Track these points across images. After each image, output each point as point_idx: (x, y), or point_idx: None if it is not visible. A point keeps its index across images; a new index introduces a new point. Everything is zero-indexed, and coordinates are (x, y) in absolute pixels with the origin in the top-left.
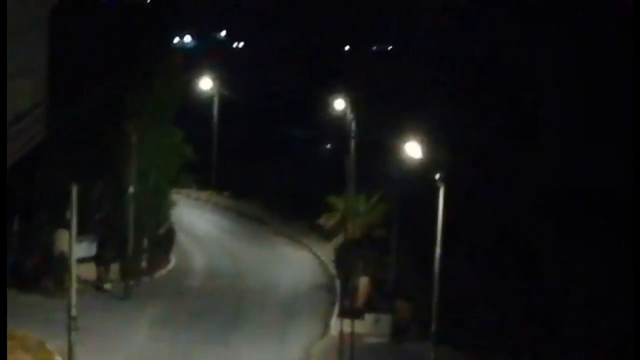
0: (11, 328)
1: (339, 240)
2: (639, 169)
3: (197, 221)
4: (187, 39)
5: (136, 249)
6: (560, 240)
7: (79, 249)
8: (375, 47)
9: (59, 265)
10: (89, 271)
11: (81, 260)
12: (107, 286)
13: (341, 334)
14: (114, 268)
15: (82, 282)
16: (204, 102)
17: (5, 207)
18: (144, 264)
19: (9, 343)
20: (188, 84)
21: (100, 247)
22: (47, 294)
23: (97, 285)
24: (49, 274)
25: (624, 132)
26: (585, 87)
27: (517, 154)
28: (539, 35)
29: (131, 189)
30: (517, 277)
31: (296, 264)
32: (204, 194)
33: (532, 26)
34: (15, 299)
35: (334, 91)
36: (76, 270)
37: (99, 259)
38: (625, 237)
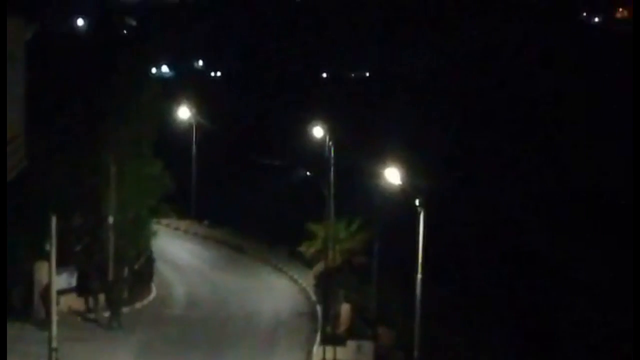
0: None
1: (319, 267)
2: (639, 169)
3: (178, 251)
4: (164, 68)
5: (117, 279)
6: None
7: (59, 280)
8: (353, 74)
9: (47, 296)
10: (73, 302)
11: (63, 292)
12: (96, 316)
13: None
14: (100, 298)
15: (71, 313)
16: (183, 131)
17: (6, 212)
18: (125, 294)
19: None
20: (167, 114)
21: (81, 278)
22: (38, 324)
23: (84, 316)
24: (40, 304)
25: (624, 132)
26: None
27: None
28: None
29: (111, 219)
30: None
31: (277, 291)
32: (183, 224)
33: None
34: None
35: (312, 118)
36: (64, 301)
37: (86, 290)
38: (626, 237)
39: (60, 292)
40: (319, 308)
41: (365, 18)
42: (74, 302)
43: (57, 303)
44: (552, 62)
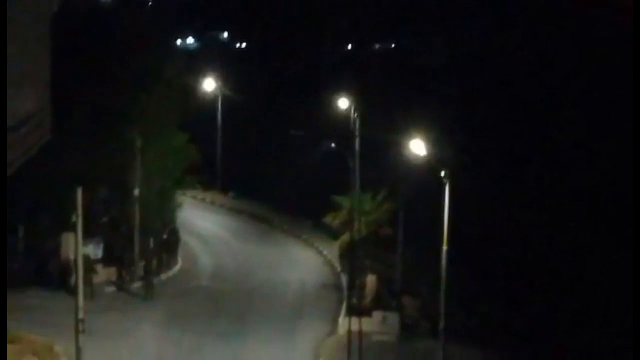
0: (20, 331)
1: (345, 238)
2: (639, 170)
3: (203, 222)
4: (190, 40)
5: (151, 249)
6: (562, 241)
7: (85, 252)
8: (378, 46)
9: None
10: (100, 272)
11: (97, 262)
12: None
13: (349, 332)
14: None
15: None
16: (208, 103)
17: (5, 210)
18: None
19: (17, 347)
20: (192, 86)
21: (107, 250)
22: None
23: (114, 285)
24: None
25: (624, 133)
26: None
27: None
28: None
29: (136, 192)
30: (521, 275)
31: (303, 263)
32: (209, 195)
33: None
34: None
35: (337, 90)
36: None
37: (117, 261)
38: (626, 238)
39: (95, 262)
40: (344, 279)
41: None
42: (101, 272)
43: (95, 272)
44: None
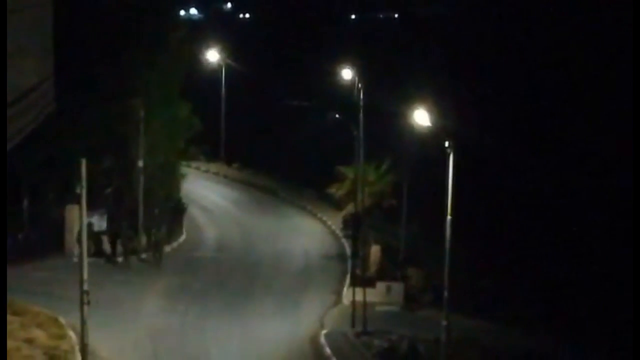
0: (24, 304)
1: (349, 209)
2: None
3: (208, 193)
4: (193, 11)
5: (148, 221)
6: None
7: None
8: (382, 15)
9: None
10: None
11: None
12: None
13: (353, 302)
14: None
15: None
16: (212, 74)
17: (5, 210)
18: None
19: (22, 320)
20: (195, 57)
21: (111, 221)
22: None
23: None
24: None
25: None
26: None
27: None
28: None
29: (140, 163)
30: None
31: (307, 233)
32: (213, 166)
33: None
34: None
35: (341, 60)
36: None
37: (113, 234)
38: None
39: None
40: (348, 250)
41: None
42: (105, 245)
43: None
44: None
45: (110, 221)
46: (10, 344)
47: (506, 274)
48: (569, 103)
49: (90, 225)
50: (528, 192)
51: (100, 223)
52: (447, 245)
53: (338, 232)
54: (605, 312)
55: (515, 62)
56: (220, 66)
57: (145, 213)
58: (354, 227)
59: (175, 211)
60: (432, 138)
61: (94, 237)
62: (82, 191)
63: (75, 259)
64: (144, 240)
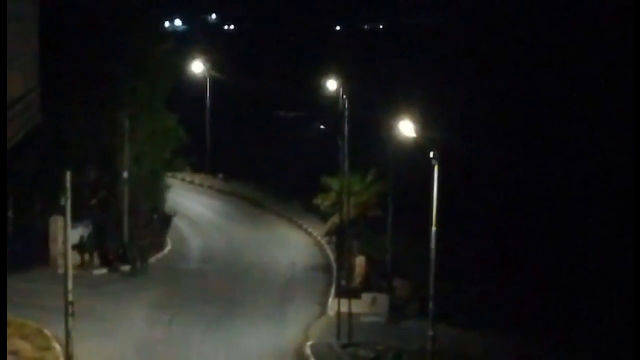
0: (9, 316)
1: (334, 220)
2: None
3: (193, 204)
4: (178, 22)
5: (133, 233)
6: (557, 214)
7: (74, 234)
8: (367, 27)
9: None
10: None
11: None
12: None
13: (339, 313)
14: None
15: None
16: (197, 86)
17: (6, 206)
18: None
19: (6, 331)
20: (180, 68)
21: (97, 232)
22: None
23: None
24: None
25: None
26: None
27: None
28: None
29: (125, 174)
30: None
31: (293, 244)
32: (198, 177)
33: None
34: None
35: (326, 71)
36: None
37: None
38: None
39: (76, 247)
40: (333, 261)
41: None
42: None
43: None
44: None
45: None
46: None
47: (497, 283)
48: (565, 103)
49: (82, 238)
50: (523, 195)
51: (85, 234)
52: (433, 256)
53: (324, 243)
54: (603, 316)
55: (505, 65)
56: (205, 78)
57: (130, 224)
58: (339, 238)
59: (160, 222)
60: (418, 149)
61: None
62: (67, 202)
63: (61, 270)
64: (129, 251)
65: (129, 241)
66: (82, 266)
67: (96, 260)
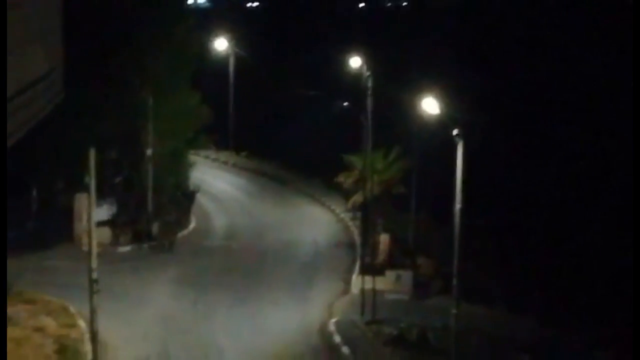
0: (34, 293)
1: (357, 198)
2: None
3: (217, 182)
4: (201, 0)
5: (159, 209)
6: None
7: (99, 212)
8: (390, 4)
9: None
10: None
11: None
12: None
13: (362, 290)
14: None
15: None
16: (220, 63)
17: (5, 209)
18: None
19: (32, 308)
20: (203, 46)
21: (120, 210)
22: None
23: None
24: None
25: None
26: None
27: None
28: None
29: (149, 152)
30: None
31: (316, 222)
32: (222, 155)
33: None
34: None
35: (348, 48)
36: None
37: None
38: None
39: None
40: (357, 238)
41: None
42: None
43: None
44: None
45: (119, 211)
46: (21, 332)
47: (518, 262)
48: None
49: (113, 215)
50: (538, 181)
51: (109, 212)
52: (457, 233)
53: (347, 220)
54: (613, 301)
55: (529, 52)
56: (228, 55)
57: (155, 201)
58: (363, 215)
59: (184, 199)
60: (441, 126)
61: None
62: (91, 181)
63: (85, 248)
64: (154, 228)
65: (154, 218)
66: (113, 242)
67: (126, 236)
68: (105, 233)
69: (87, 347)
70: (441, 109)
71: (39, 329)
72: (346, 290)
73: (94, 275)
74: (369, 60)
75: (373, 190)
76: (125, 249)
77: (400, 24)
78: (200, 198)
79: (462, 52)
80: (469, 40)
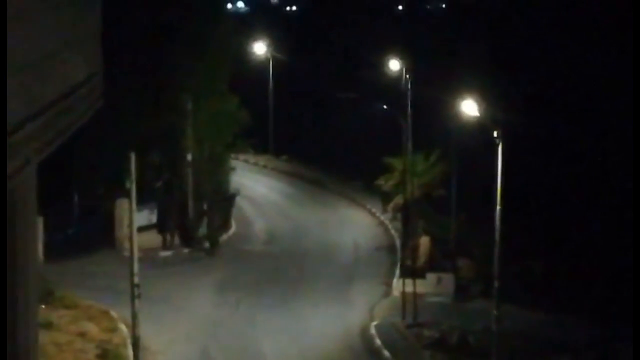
0: (76, 297)
1: (397, 200)
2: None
3: (256, 186)
4: (240, 4)
5: (205, 214)
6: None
7: (139, 217)
8: (429, 6)
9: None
10: (154, 238)
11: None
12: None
13: (403, 293)
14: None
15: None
16: (260, 67)
17: (6, 209)
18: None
19: (73, 313)
20: (242, 49)
21: (161, 215)
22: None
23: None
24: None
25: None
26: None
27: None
28: None
29: (189, 156)
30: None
31: (355, 225)
32: (261, 159)
33: None
34: None
35: (387, 51)
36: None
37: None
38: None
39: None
40: (397, 241)
41: None
42: (155, 238)
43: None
44: None
45: (159, 215)
46: (63, 337)
47: (560, 262)
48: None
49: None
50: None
51: (150, 217)
52: (497, 235)
53: (387, 223)
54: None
55: (566, 51)
56: (267, 59)
57: (198, 206)
58: (404, 218)
59: (224, 203)
60: (481, 128)
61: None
62: (132, 185)
63: (126, 253)
64: (198, 232)
65: (196, 222)
66: (164, 246)
67: (176, 240)
68: (148, 238)
69: (129, 352)
70: (480, 111)
71: (81, 334)
72: (387, 293)
73: (136, 280)
74: (408, 62)
75: (413, 192)
76: (165, 253)
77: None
78: (240, 202)
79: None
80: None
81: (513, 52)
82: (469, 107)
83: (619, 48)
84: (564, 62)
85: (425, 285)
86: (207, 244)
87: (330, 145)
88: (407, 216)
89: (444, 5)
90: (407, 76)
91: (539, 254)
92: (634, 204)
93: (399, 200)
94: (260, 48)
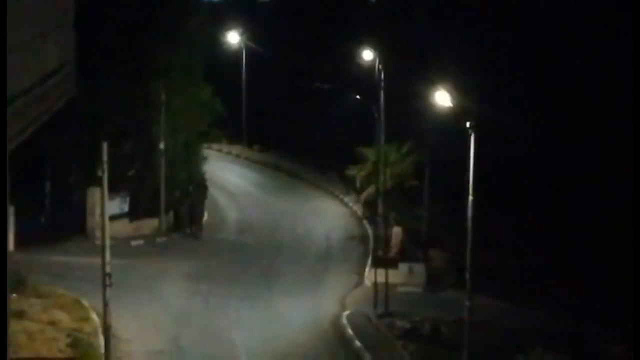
0: (47, 286)
1: (370, 190)
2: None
3: (229, 175)
4: None
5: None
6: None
7: (111, 206)
8: None
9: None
10: (125, 227)
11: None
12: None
13: (375, 283)
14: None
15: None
16: (233, 57)
17: (6, 210)
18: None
19: (45, 302)
20: (215, 40)
21: (133, 203)
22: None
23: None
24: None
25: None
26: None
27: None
28: None
29: (162, 145)
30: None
31: (329, 215)
32: (234, 148)
33: None
34: None
35: (359, 41)
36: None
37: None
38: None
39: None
40: (370, 231)
41: None
42: (126, 227)
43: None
44: None
45: (131, 204)
46: (34, 326)
47: (532, 253)
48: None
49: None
50: (551, 167)
51: (122, 206)
52: (470, 225)
53: (360, 213)
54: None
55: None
56: (241, 48)
57: (167, 195)
58: (375, 208)
59: (196, 192)
60: (454, 118)
61: None
62: (104, 174)
63: (98, 242)
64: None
65: (167, 211)
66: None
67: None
68: (120, 226)
69: (100, 341)
70: (453, 101)
71: (52, 323)
72: (359, 283)
73: (107, 269)
74: (381, 53)
75: (386, 183)
76: (137, 242)
77: (414, 16)
78: (212, 192)
79: (479, 38)
80: (485, 26)
81: (490, 40)
82: (442, 97)
83: (601, 32)
84: (545, 51)
85: (397, 275)
86: (191, 229)
87: (304, 136)
88: (379, 206)
89: None
90: (380, 66)
91: (512, 245)
92: (605, 194)
93: (371, 190)
94: (233, 37)
